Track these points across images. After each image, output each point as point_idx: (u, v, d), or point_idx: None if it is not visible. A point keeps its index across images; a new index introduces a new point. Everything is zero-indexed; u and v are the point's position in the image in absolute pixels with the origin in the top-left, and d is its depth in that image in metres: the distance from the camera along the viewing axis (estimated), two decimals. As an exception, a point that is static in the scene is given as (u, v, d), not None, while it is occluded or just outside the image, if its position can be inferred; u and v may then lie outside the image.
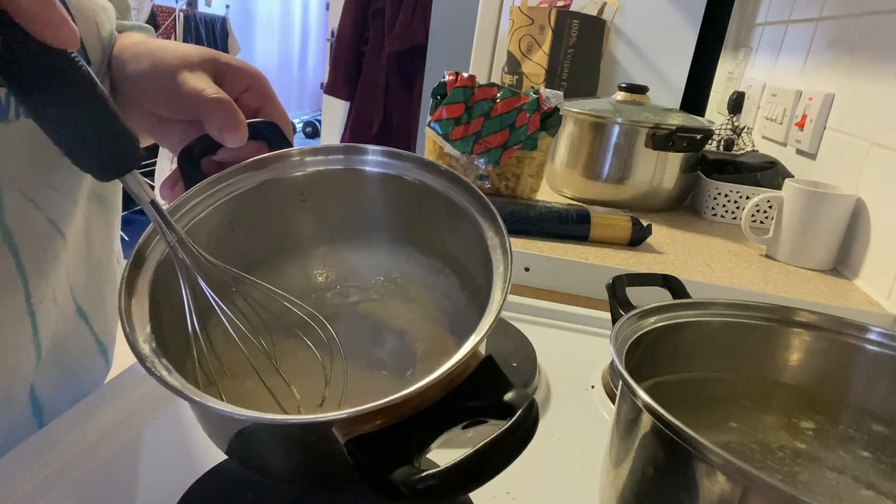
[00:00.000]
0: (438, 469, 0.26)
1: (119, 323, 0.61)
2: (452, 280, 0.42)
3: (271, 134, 0.43)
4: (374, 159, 0.41)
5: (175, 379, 0.29)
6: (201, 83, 0.42)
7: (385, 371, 0.42)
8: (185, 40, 4.24)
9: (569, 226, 0.96)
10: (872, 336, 0.43)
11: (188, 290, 0.36)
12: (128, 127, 0.33)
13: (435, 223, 0.41)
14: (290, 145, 0.43)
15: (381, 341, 0.43)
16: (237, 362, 0.38)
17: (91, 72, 0.31)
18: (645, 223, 0.98)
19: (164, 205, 0.36)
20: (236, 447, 0.34)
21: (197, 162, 0.42)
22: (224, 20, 4.44)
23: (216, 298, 0.36)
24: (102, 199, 0.54)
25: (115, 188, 0.56)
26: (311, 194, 0.43)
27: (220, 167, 0.42)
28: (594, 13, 1.61)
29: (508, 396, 0.29)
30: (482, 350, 0.32)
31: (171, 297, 0.36)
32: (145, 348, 0.31)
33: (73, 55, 0.30)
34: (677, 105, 1.66)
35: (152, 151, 3.49)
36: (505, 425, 0.27)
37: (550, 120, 1.01)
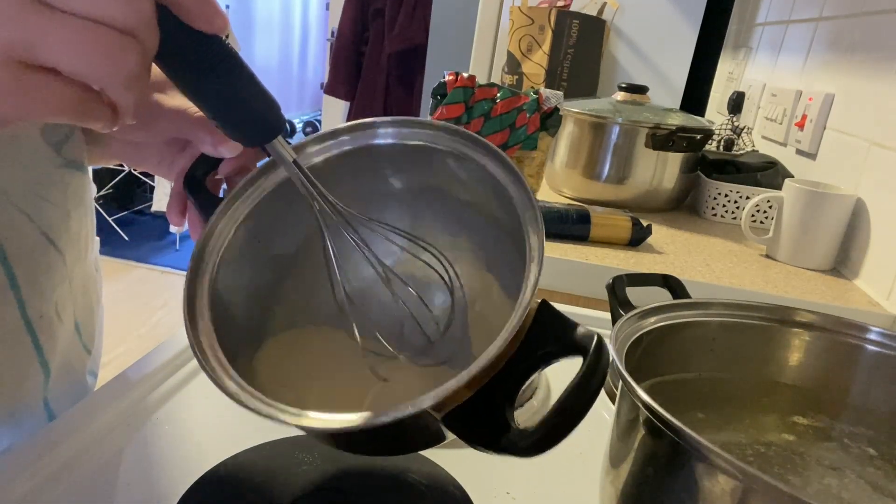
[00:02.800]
0: (536, 425, 0.29)
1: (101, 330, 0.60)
2: (477, 219, 0.42)
3: None
4: (383, 132, 0.42)
5: (270, 406, 0.32)
6: (178, 102, 0.41)
7: (445, 325, 0.43)
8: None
9: (569, 226, 0.96)
10: (872, 336, 0.43)
11: (331, 242, 0.39)
12: (271, 96, 0.35)
13: (442, 175, 0.42)
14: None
15: (429, 297, 0.44)
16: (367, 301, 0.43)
17: (237, 51, 0.34)
18: (645, 223, 0.98)
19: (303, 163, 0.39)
20: (337, 443, 0.36)
21: (202, 184, 0.42)
22: (224, 20, 4.42)
23: (363, 242, 0.40)
24: (87, 207, 0.52)
25: (91, 191, 0.54)
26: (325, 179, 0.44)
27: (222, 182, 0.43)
28: (594, 13, 1.61)
29: (574, 336, 0.32)
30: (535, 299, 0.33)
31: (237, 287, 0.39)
32: (231, 386, 0.33)
33: (223, 39, 0.33)
34: (677, 105, 1.66)
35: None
36: (579, 369, 0.30)
37: (550, 120, 1.01)
